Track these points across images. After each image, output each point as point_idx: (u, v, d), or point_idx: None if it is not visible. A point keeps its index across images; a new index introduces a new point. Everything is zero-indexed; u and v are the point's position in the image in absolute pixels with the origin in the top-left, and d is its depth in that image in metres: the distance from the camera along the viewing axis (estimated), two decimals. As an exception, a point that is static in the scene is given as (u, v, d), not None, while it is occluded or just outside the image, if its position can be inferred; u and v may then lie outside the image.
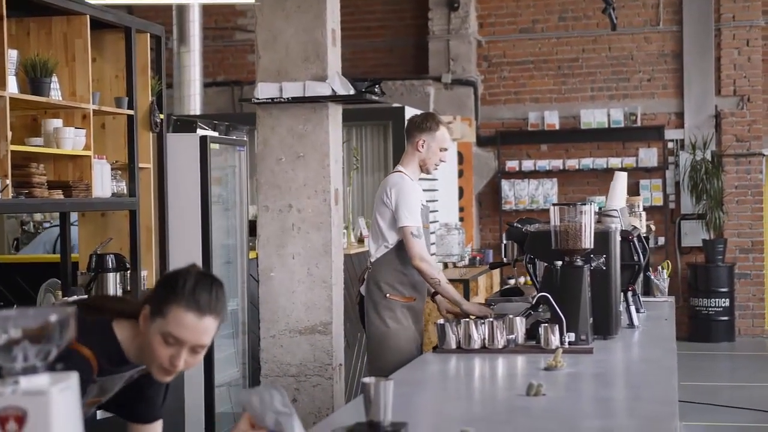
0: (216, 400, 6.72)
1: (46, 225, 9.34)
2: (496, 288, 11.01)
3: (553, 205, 4.64)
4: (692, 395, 9.36)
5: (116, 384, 2.88)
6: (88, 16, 5.41)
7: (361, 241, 8.63)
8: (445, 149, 5.61)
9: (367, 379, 2.83)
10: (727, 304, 12.83)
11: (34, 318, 1.82)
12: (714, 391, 9.89)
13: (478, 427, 2.87)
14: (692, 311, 12.97)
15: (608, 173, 13.14)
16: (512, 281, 12.72)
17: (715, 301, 12.80)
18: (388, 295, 5.44)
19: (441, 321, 4.56)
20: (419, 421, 3.05)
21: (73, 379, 1.85)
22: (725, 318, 12.85)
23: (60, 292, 5.63)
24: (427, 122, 5.57)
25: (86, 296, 5.30)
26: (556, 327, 4.39)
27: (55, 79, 5.16)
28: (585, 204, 4.61)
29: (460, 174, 12.95)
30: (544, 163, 13.43)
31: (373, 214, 5.60)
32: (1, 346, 1.80)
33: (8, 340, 1.80)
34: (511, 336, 4.47)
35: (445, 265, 10.81)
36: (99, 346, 2.74)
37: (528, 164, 13.47)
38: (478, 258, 11.63)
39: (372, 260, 5.54)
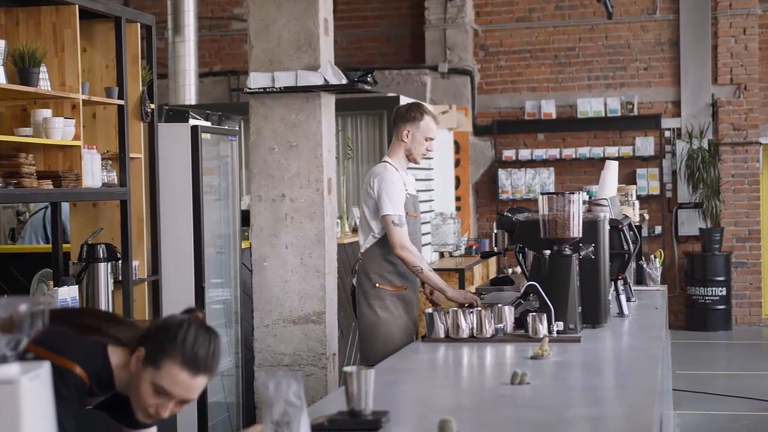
0: (209, 389, 6.73)
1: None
2: (493, 276, 11.01)
3: (542, 194, 4.65)
4: (688, 384, 9.38)
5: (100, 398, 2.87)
6: (77, 6, 5.40)
7: (355, 230, 8.62)
8: (431, 138, 5.60)
9: (348, 369, 2.84)
10: (724, 293, 12.83)
11: (4, 308, 1.83)
12: (710, 379, 9.90)
13: (460, 415, 2.87)
14: (689, 300, 12.98)
15: (605, 162, 13.11)
16: (509, 270, 12.74)
17: (712, 290, 12.81)
18: (377, 284, 5.46)
19: (429, 310, 4.57)
20: (402, 409, 3.06)
21: (44, 368, 1.85)
22: (722, 307, 12.85)
23: (52, 282, 5.63)
24: (411, 112, 5.58)
25: (81, 307, 5.22)
26: (544, 316, 4.40)
27: (44, 68, 5.15)
28: (573, 193, 4.61)
29: (457, 163, 12.95)
30: (540, 153, 13.42)
31: (360, 205, 5.65)
32: (-30, 336, 1.80)
33: (-22, 330, 1.80)
34: (499, 325, 4.47)
35: (441, 255, 10.82)
36: (93, 369, 2.72)
37: (525, 153, 13.46)
38: (474, 247, 11.63)
39: (361, 251, 5.56)
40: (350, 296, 5.77)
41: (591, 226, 4.74)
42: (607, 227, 4.92)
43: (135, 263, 5.96)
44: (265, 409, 2.78)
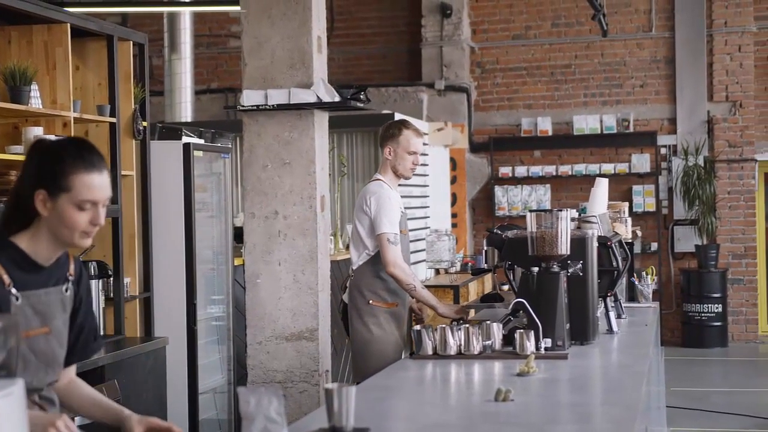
0: (201, 406, 6.73)
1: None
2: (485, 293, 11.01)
3: (530, 211, 4.66)
4: (684, 401, 9.38)
5: (51, 307, 2.87)
6: (68, 24, 5.43)
7: (348, 247, 8.64)
8: (414, 152, 5.66)
9: (329, 385, 2.85)
10: (720, 309, 12.83)
11: (-23, 325, 1.84)
12: (706, 396, 9.90)
13: (442, 432, 2.88)
14: (685, 317, 12.98)
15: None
16: (506, 287, 12.74)
17: (708, 307, 12.81)
18: (371, 301, 5.50)
19: (417, 327, 4.57)
20: (384, 426, 3.07)
21: (17, 385, 1.86)
22: (718, 323, 12.85)
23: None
24: (389, 129, 5.71)
25: None
26: (532, 333, 4.40)
27: (35, 86, 5.18)
28: (561, 210, 4.62)
29: (453, 180, 12.98)
30: (537, 169, 13.44)
31: (353, 222, 5.67)
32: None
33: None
34: (487, 342, 4.48)
35: (437, 272, 10.83)
36: (4, 257, 2.79)
37: (521, 170, 13.49)
38: (470, 264, 11.64)
39: (354, 267, 5.61)
40: (340, 313, 5.78)
41: (579, 244, 4.76)
42: (596, 244, 4.93)
43: (126, 280, 5.98)
44: (245, 424, 2.79)
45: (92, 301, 3.06)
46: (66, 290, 2.94)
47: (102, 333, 5.76)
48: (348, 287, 5.63)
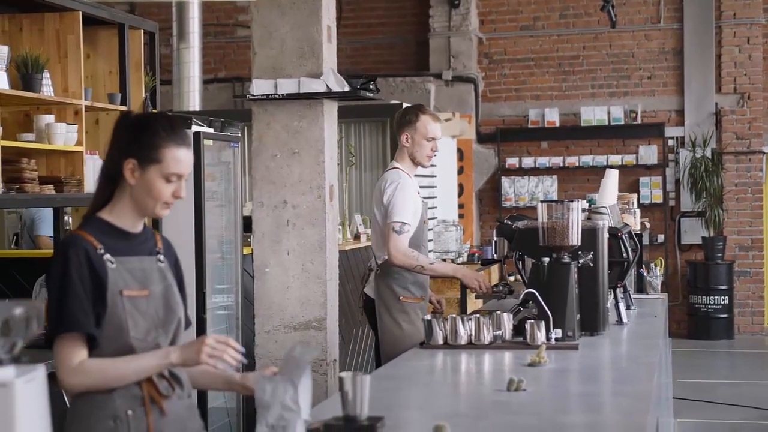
0: (209, 395, 6.75)
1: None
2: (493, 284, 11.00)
3: (541, 202, 4.66)
4: (690, 392, 9.38)
5: (147, 273, 3.01)
6: (80, 12, 5.44)
7: (357, 237, 8.65)
8: (432, 138, 5.53)
9: (343, 374, 2.85)
10: (727, 301, 12.83)
11: None
12: (711, 388, 9.91)
13: (455, 421, 2.89)
14: (691, 309, 12.98)
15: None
16: (512, 278, 12.74)
17: (715, 299, 12.81)
18: (401, 297, 5.40)
19: (428, 317, 4.57)
20: (398, 415, 3.08)
21: (39, 371, 1.87)
22: (724, 315, 12.85)
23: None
24: (406, 115, 5.56)
25: None
26: (542, 323, 4.41)
27: (47, 74, 5.19)
28: (572, 201, 4.62)
29: (460, 171, 12.98)
30: (544, 161, 13.44)
31: (372, 214, 5.56)
32: (-34, 339, 1.82)
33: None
34: (498, 332, 4.48)
35: (444, 261, 10.82)
36: (91, 228, 2.95)
37: (528, 161, 13.48)
38: (477, 255, 11.64)
39: (378, 262, 5.47)
40: (362, 308, 5.64)
41: (590, 234, 4.75)
42: (606, 235, 4.93)
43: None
44: (260, 411, 2.80)
45: (183, 274, 3.22)
46: (160, 261, 3.08)
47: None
48: (375, 282, 5.48)
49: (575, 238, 4.59)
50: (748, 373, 10.95)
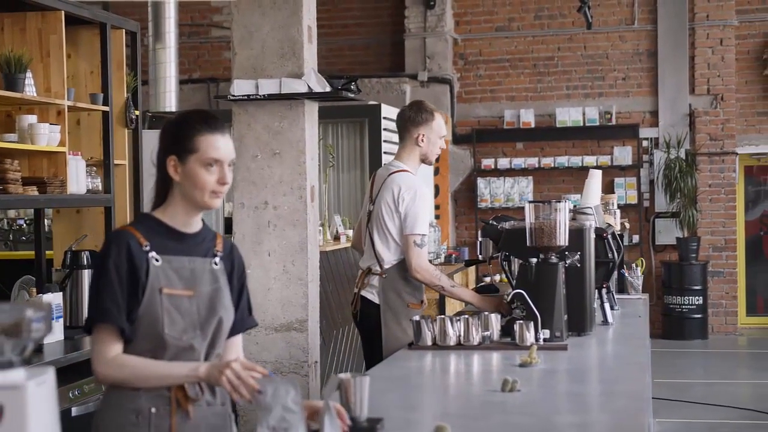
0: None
1: (20, 222, 9.29)
2: (472, 285, 11.03)
3: (529, 202, 4.66)
4: (665, 392, 9.42)
5: (196, 274, 3.04)
6: (63, 11, 5.38)
7: (337, 238, 8.63)
8: (443, 136, 5.40)
9: (343, 375, 2.84)
10: (701, 301, 12.91)
11: (10, 313, 1.82)
12: (687, 388, 9.96)
13: (453, 422, 2.88)
14: (666, 309, 13.05)
15: (583, 171, 13.15)
16: (487, 279, 12.77)
17: (689, 299, 12.88)
18: (409, 304, 5.24)
19: (416, 318, 4.56)
20: (396, 416, 3.06)
21: (49, 374, 1.84)
22: (698, 316, 12.93)
23: (35, 289, 5.59)
24: (422, 114, 5.33)
25: None
26: (531, 324, 4.41)
27: (29, 74, 5.13)
28: (560, 202, 4.63)
29: (436, 172, 12.98)
30: (519, 161, 13.47)
31: (377, 216, 5.31)
32: (-24, 341, 1.80)
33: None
34: (486, 333, 4.48)
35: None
36: (141, 225, 3.03)
37: (504, 162, 13.51)
38: (454, 256, 11.66)
39: (386, 266, 5.25)
40: (357, 311, 5.37)
41: (577, 235, 4.76)
42: (593, 236, 4.94)
43: (118, 270, 5.93)
44: (261, 414, 2.78)
45: (246, 278, 3.24)
46: (215, 263, 3.09)
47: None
48: (381, 287, 5.25)
49: (563, 239, 4.60)
50: (724, 373, 11.02)
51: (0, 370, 1.80)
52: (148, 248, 2.97)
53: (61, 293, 5.39)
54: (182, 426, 2.97)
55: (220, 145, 3.00)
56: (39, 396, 1.80)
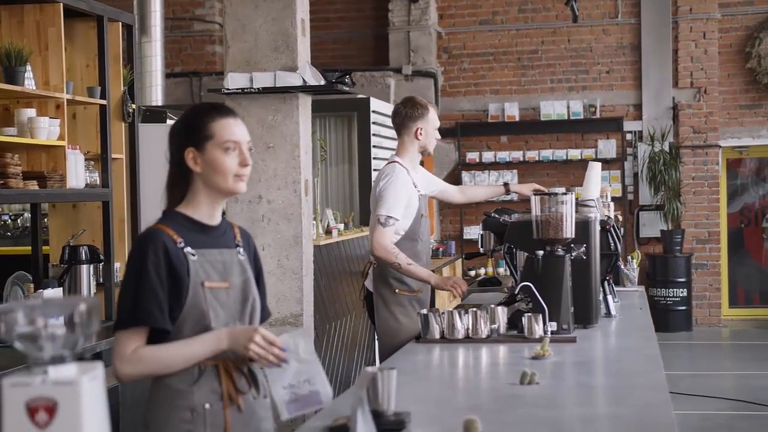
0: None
1: (5, 217, 9.22)
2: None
3: (534, 194, 4.65)
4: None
5: (227, 265, 3.02)
6: (61, 4, 5.33)
7: (329, 232, 8.59)
8: (438, 126, 5.64)
9: (371, 369, 2.82)
10: (685, 294, 12.97)
11: (62, 307, 1.80)
12: (672, 379, 9.97)
13: (478, 416, 2.86)
14: (651, 301, 12.99)
15: (568, 164, 13.24)
16: (472, 272, 12.78)
17: (673, 291, 12.94)
18: (397, 290, 5.38)
19: (424, 311, 4.54)
20: (418, 410, 3.04)
21: (99, 368, 1.82)
22: (683, 308, 12.99)
23: (32, 285, 5.54)
24: (417, 109, 5.52)
25: None
26: (540, 316, 4.40)
27: (29, 68, 5.08)
28: (566, 193, 4.62)
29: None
30: (504, 155, 13.47)
31: (371, 210, 5.50)
32: (28, 336, 1.77)
33: (36, 330, 1.77)
34: (493, 326, 4.47)
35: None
36: (171, 222, 3.00)
37: (488, 156, 13.51)
38: (440, 249, 11.66)
39: (377, 255, 5.35)
40: (363, 301, 5.60)
41: (583, 227, 4.76)
42: (598, 228, 4.94)
43: (117, 265, 5.89)
44: (272, 375, 2.78)
45: (262, 267, 3.25)
46: (240, 254, 3.08)
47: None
48: (372, 275, 5.44)
49: (569, 231, 4.59)
50: (709, 364, 11.07)
51: (52, 366, 1.77)
52: (182, 244, 2.95)
53: (60, 289, 5.35)
54: (236, 419, 2.95)
55: (232, 126, 3.00)
56: (91, 391, 1.78)
